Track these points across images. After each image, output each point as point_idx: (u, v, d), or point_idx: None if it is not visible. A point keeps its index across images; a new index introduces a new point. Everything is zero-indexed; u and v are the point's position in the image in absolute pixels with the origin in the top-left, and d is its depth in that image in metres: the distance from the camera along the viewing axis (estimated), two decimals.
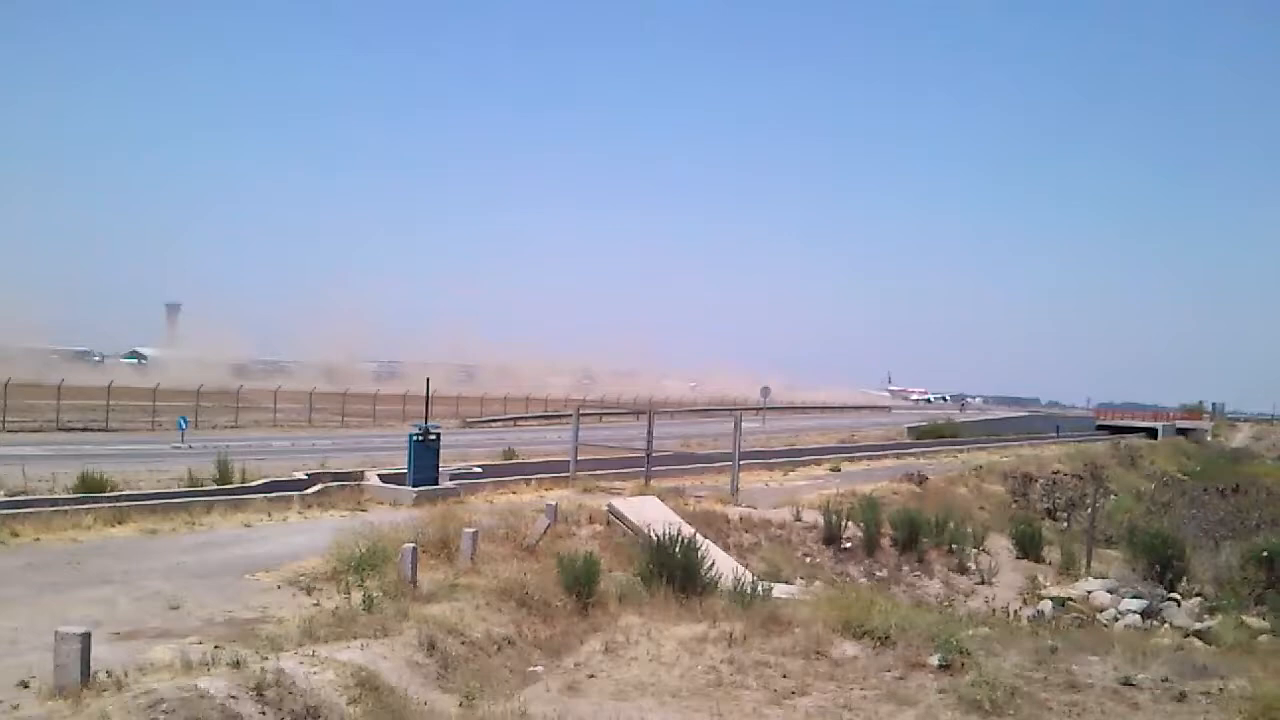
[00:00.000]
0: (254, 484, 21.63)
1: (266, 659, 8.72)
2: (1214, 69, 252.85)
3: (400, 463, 23.76)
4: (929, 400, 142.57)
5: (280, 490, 20.90)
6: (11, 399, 41.40)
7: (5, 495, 18.86)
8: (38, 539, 15.26)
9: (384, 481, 22.96)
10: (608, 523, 19.23)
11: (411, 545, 13.23)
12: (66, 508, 17.05)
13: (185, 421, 38.85)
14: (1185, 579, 21.24)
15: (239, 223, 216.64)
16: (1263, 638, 16.00)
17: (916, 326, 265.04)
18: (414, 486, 21.76)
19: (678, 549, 13.87)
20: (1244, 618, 17.60)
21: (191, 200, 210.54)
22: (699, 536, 15.16)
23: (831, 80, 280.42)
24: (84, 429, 41.14)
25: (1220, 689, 8.98)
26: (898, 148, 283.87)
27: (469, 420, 58.84)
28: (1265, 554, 20.21)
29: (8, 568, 13.32)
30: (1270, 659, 11.05)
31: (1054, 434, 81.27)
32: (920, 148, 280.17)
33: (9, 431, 38.06)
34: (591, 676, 9.81)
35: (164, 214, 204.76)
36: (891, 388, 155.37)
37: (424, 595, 12.25)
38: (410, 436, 22.79)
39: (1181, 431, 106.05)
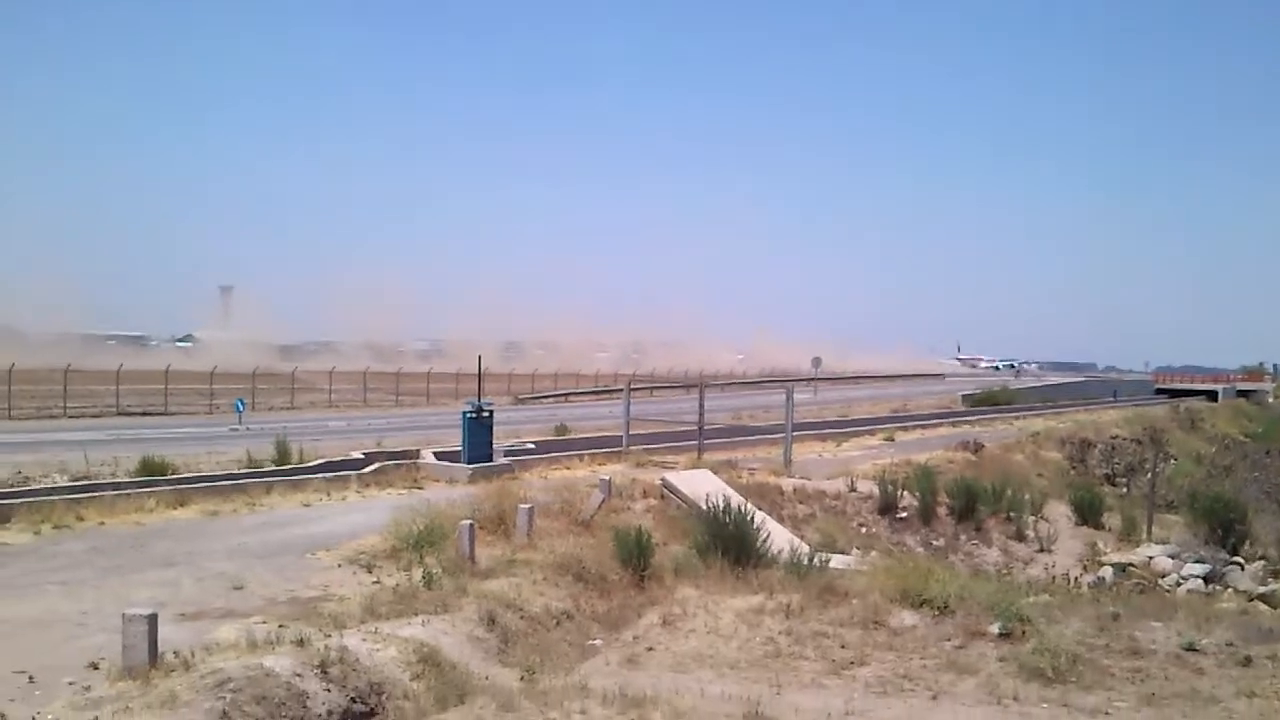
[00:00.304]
0: (312, 464, 21.86)
1: (330, 637, 8.85)
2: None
3: (454, 441, 23.92)
4: (996, 368, 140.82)
5: (337, 470, 21.12)
6: (71, 385, 42.21)
7: (69, 480, 19.26)
8: (102, 523, 15.58)
9: (439, 459, 23.11)
10: (661, 496, 19.27)
11: (469, 522, 13.35)
12: (129, 491, 17.39)
13: (243, 404, 39.43)
14: (1248, 543, 20.98)
15: (265, 205, 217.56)
16: None
17: (974, 293, 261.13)
18: (469, 464, 21.91)
19: (732, 521, 13.86)
20: None
21: (212, 183, 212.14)
22: (753, 509, 15.14)
23: (880, 51, 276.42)
24: (143, 413, 41.84)
25: None
26: (955, 111, 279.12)
27: (520, 397, 59.14)
28: None
29: (73, 551, 13.63)
30: None
31: (1111, 398, 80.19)
32: (979, 108, 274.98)
33: (70, 417, 38.86)
34: (650, 649, 9.84)
35: (202, 198, 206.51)
36: (961, 356, 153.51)
37: (482, 571, 12.36)
38: (464, 414, 22.93)
39: (1242, 393, 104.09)
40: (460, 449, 22.72)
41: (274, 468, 21.36)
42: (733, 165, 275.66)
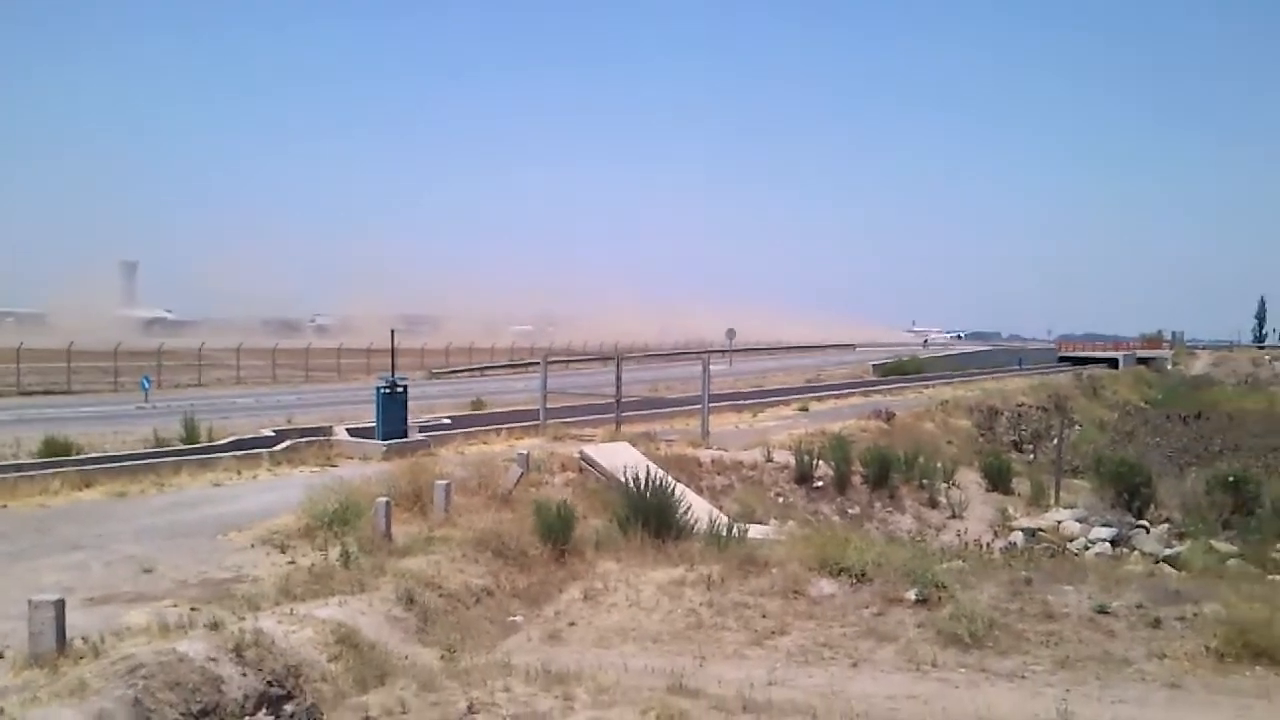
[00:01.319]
0: (221, 442, 21.38)
1: (244, 619, 8.65)
2: None
3: (368, 417, 23.59)
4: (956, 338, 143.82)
5: (248, 448, 20.69)
6: None
7: None
8: (4, 505, 15.03)
9: (353, 436, 22.77)
10: (580, 470, 19.22)
11: (385, 499, 13.16)
12: (32, 473, 16.83)
13: (149, 381, 38.42)
14: (1153, 506, 21.57)
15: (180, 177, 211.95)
16: (1231, 561, 16.30)
17: (883, 261, 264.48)
18: (383, 440, 21.61)
19: (651, 493, 13.86)
20: (1212, 542, 17.91)
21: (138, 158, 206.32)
22: (672, 480, 15.16)
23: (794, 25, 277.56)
24: (45, 392, 40.62)
25: (1194, 614, 9.10)
26: (864, 84, 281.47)
27: (435, 371, 58.57)
28: (1230, 479, 20.55)
29: None
30: (1240, 582, 11.24)
31: (1017, 367, 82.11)
32: (885, 84, 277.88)
33: None
34: (572, 624, 9.81)
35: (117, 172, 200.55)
36: (915, 329, 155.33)
37: (399, 549, 12.19)
38: (377, 389, 22.59)
39: (1142, 361, 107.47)
40: (374, 425, 22.41)
41: (183, 446, 20.85)
42: (671, 137, 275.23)
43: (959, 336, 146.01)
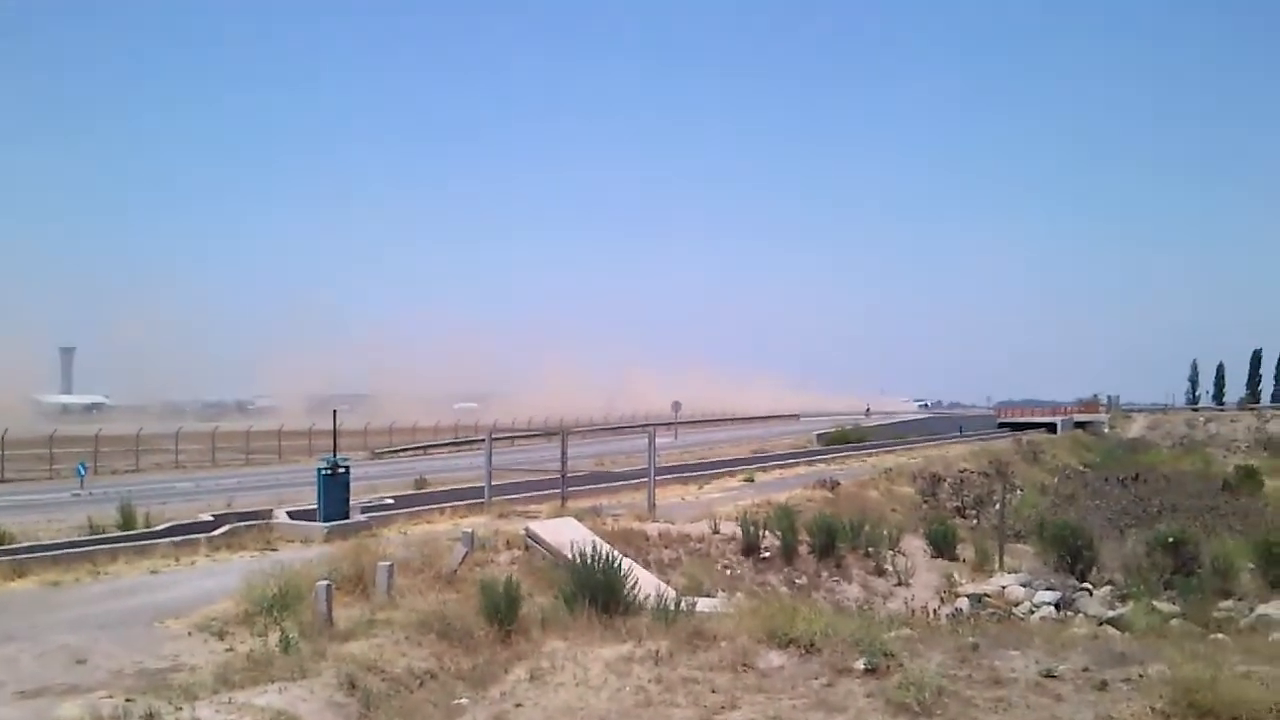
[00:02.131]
0: (159, 528, 20.99)
1: (180, 709, 8.45)
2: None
3: (309, 499, 23.27)
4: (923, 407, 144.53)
5: (186, 533, 20.28)
6: None
7: None
8: None
9: (293, 519, 22.43)
10: (526, 547, 19.03)
11: (325, 582, 12.93)
12: None
13: (84, 468, 37.80)
14: (1095, 568, 21.82)
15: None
16: (1174, 621, 16.47)
17: (824, 331, 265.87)
18: (325, 522, 21.30)
19: (598, 569, 13.74)
20: (1154, 603, 18.12)
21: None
22: (619, 555, 15.05)
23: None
24: None
25: (1140, 675, 9.15)
26: (800, 144, 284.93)
27: (377, 451, 58.06)
28: (1170, 540, 20.85)
29: None
30: (1184, 642, 11.33)
31: (957, 434, 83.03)
32: (825, 144, 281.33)
33: None
34: (519, 705, 9.63)
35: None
36: (918, 400, 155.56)
37: (341, 633, 11.97)
38: (318, 471, 22.32)
39: (1080, 425, 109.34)
40: (315, 507, 22.10)
41: (119, 533, 20.47)
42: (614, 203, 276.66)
43: (925, 405, 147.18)
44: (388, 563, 14.70)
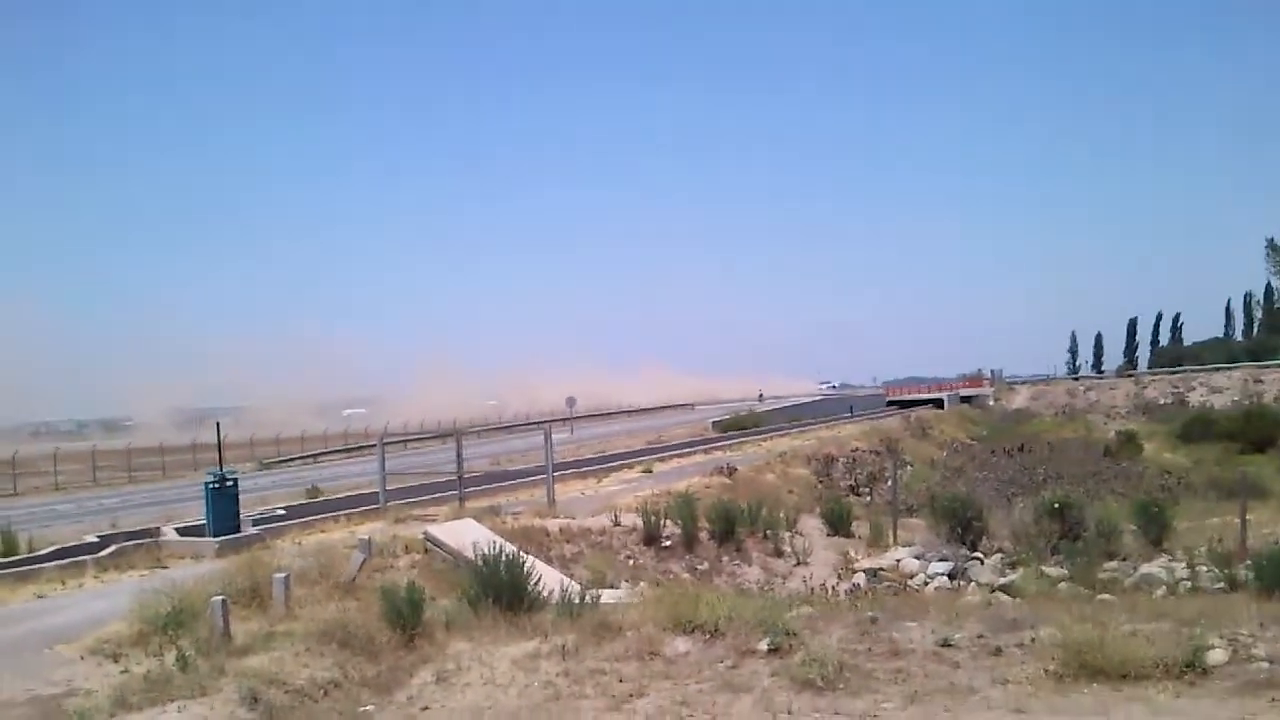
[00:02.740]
0: (43, 552, 20.20)
1: None
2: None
3: (197, 514, 22.70)
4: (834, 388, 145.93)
5: (71, 556, 19.59)
6: None
7: None
8: None
9: (182, 535, 21.83)
10: (425, 551, 18.84)
11: (220, 597, 12.60)
12: None
13: None
14: (985, 538, 22.42)
15: None
16: (1062, 585, 17.05)
17: (713, 315, 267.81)
18: (215, 537, 20.77)
19: (502, 568, 13.67)
20: (1043, 568, 18.73)
21: None
22: (521, 553, 14.99)
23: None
24: None
25: (1032, 639, 9.46)
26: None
27: (266, 461, 56.85)
28: (1055, 505, 21.54)
29: None
30: (1073, 604, 11.73)
31: (848, 414, 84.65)
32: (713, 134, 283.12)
33: None
34: (426, 709, 9.55)
35: None
36: (824, 382, 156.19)
37: (239, 648, 11.68)
38: (205, 485, 21.77)
39: (965, 399, 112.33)
40: (205, 522, 21.56)
41: (0, 559, 19.69)
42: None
43: (833, 386, 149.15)
44: (283, 574, 14.39)
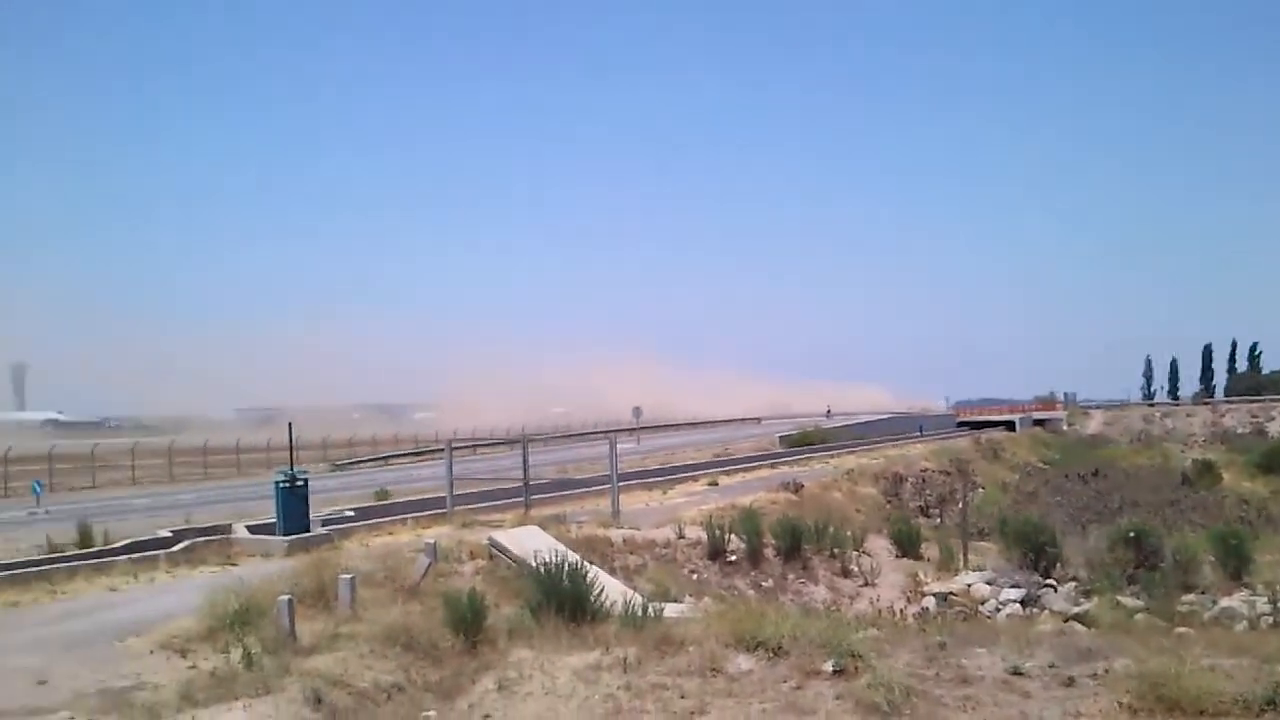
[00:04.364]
0: (117, 545, 20.69)
1: None
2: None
3: (268, 513, 23.02)
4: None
5: (145, 550, 20.01)
6: None
7: None
8: None
9: (253, 533, 22.19)
10: (490, 557, 18.90)
11: (287, 597, 12.75)
12: None
13: (41, 486, 37.32)
14: (1059, 564, 21.97)
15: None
16: (1138, 616, 16.61)
17: (789, 332, 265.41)
18: (285, 536, 21.06)
19: (564, 577, 13.66)
20: (1118, 598, 18.28)
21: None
22: (584, 562, 14.98)
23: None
24: None
25: (1106, 670, 9.19)
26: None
27: (337, 463, 57.57)
28: (1132, 534, 21.04)
29: None
30: (1149, 637, 11.41)
31: (918, 433, 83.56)
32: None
33: None
34: (487, 716, 9.53)
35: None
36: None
37: (305, 648, 11.81)
38: (276, 484, 22.08)
39: (1038, 422, 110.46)
40: (275, 521, 21.85)
41: (77, 551, 20.20)
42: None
43: (949, 403, 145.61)
44: (350, 575, 14.53)
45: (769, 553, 23.18)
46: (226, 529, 22.68)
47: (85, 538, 21.19)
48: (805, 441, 67.21)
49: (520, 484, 26.76)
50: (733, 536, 23.14)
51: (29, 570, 17.96)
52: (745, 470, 44.03)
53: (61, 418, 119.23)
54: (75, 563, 18.73)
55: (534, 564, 15.07)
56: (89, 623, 14.13)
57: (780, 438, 69.62)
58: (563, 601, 13.11)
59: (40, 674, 11.21)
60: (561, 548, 17.20)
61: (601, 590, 13.98)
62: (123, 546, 20.55)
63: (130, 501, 35.96)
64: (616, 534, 22.60)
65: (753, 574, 22.47)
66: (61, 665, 11.65)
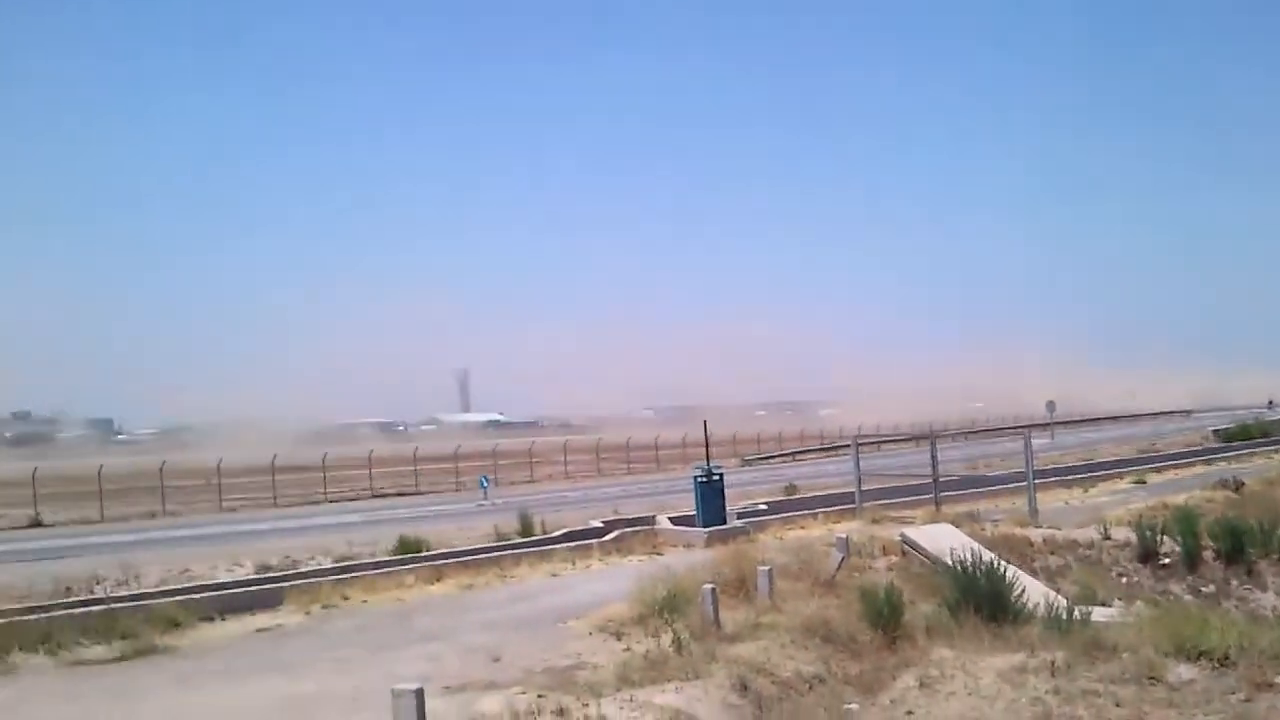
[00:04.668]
0: (555, 534, 22.53)
1: (588, 705, 9.00)
2: None
3: (686, 505, 24.12)
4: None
5: (579, 539, 21.68)
6: (330, 471, 45.21)
7: (333, 562, 20.44)
8: (365, 601, 16.40)
9: (675, 524, 23.35)
10: (903, 553, 18.78)
11: (711, 586, 13.34)
12: (389, 569, 18.29)
13: (487, 480, 41.25)
14: None
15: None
16: None
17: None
18: (704, 527, 22.03)
19: (981, 576, 13.38)
20: None
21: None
22: (1001, 562, 14.58)
23: None
24: (397, 494, 44.36)
25: None
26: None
27: (747, 458, 59.14)
28: None
29: (342, 630, 14.39)
30: None
31: None
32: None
33: (331, 501, 41.47)
34: (909, 713, 9.58)
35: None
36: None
37: (728, 636, 12.32)
38: (695, 478, 23.11)
39: None
40: (694, 513, 22.87)
41: (520, 540, 22.11)
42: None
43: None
44: (767, 567, 14.95)
45: (1208, 556, 21.36)
46: (650, 520, 24.04)
47: (526, 527, 23.21)
48: (1244, 435, 61.10)
49: (928, 480, 26.32)
50: (1165, 538, 21.53)
51: (480, 556, 19.99)
52: (1175, 467, 40.89)
53: (502, 418, 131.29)
54: (520, 550, 20.62)
55: (949, 561, 14.85)
56: (534, 605, 15.52)
57: (1214, 431, 63.92)
58: (980, 600, 12.86)
59: (494, 651, 12.47)
60: (976, 546, 16.81)
61: (1022, 590, 13.57)
62: (561, 535, 22.37)
63: (564, 494, 39.00)
64: (1035, 533, 21.69)
65: (1190, 579, 20.79)
66: (512, 644, 12.88)
